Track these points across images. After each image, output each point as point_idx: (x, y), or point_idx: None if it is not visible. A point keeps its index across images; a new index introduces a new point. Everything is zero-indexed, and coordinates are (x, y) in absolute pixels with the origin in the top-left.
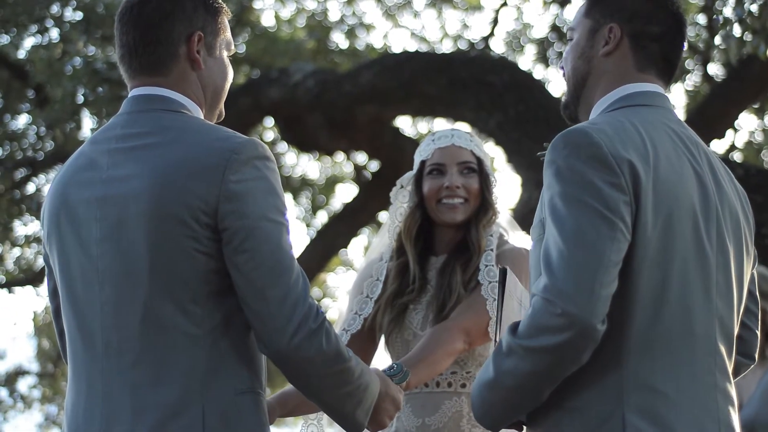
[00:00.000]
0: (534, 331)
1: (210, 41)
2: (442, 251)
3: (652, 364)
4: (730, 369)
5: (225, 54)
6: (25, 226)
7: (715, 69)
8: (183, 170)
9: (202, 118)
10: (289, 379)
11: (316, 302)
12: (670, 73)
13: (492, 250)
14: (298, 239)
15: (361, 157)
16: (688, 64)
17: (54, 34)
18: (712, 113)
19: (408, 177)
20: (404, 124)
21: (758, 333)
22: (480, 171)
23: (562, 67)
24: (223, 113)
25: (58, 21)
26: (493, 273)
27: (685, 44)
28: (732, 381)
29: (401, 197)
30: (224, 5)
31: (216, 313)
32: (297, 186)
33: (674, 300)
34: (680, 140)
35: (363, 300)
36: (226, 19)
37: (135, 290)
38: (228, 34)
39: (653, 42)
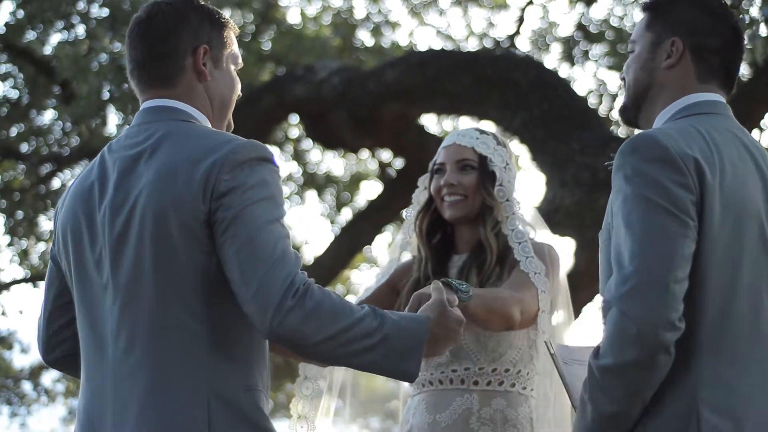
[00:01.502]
0: (618, 346)
1: (216, 54)
2: (463, 250)
3: (724, 361)
4: None
5: (232, 67)
6: (50, 221)
7: (741, 68)
8: (182, 174)
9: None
10: (300, 357)
11: (298, 276)
12: (731, 85)
13: (526, 241)
14: (323, 236)
15: (385, 155)
16: None
17: (80, 30)
18: (738, 113)
19: (424, 177)
20: (429, 122)
21: None
22: (481, 168)
23: (623, 78)
24: (232, 125)
25: (85, 17)
26: (534, 265)
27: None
28: None
29: (421, 197)
30: (230, 20)
31: (221, 311)
32: (322, 183)
33: (743, 298)
34: (744, 146)
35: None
36: (232, 34)
37: (142, 292)
38: (235, 48)
39: (714, 54)
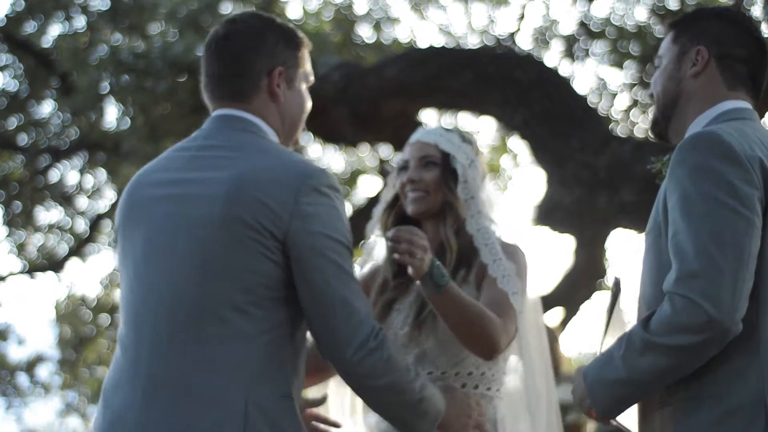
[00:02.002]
0: (673, 329)
1: (290, 74)
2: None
3: None
4: None
5: (303, 86)
6: (48, 213)
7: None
8: (258, 182)
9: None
10: (353, 390)
11: (376, 323)
12: (758, 94)
13: (494, 242)
14: None
15: (385, 151)
16: None
17: (80, 22)
18: None
19: (391, 175)
20: (429, 118)
21: None
22: (444, 165)
23: (651, 95)
24: (299, 141)
25: (85, 9)
26: (503, 267)
27: None
28: None
29: (388, 195)
30: (305, 38)
31: (273, 317)
32: None
33: None
34: None
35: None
36: (306, 52)
37: (197, 284)
38: (308, 66)
39: (740, 63)
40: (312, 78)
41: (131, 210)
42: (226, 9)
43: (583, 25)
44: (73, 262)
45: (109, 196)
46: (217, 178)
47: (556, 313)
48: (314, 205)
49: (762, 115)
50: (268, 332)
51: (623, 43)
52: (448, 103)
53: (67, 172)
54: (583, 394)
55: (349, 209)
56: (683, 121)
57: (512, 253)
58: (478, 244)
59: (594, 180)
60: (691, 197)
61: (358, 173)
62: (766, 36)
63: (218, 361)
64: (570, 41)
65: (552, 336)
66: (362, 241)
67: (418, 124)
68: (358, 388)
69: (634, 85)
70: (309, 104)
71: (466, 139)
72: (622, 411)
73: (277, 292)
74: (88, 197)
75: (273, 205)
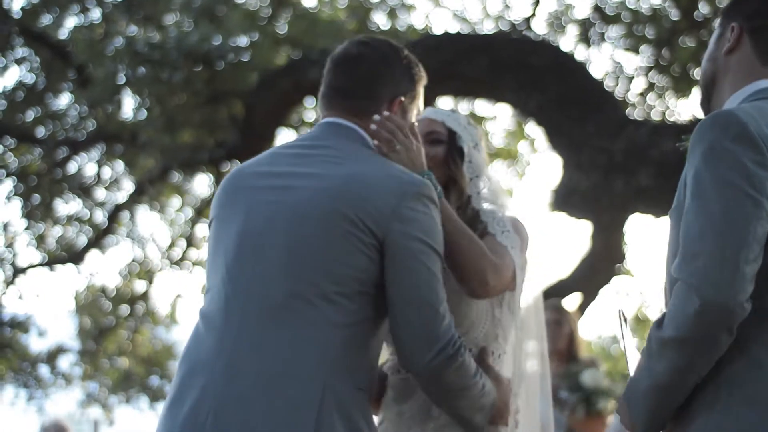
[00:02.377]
0: (678, 319)
1: (406, 105)
2: None
3: None
4: None
5: (414, 118)
6: (67, 205)
7: None
8: (365, 183)
9: None
10: (422, 389)
11: (456, 332)
12: None
13: (501, 216)
14: None
15: None
16: None
17: (96, 14)
18: None
19: None
20: (445, 105)
21: None
22: (450, 142)
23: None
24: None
25: (100, 1)
26: (503, 223)
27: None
28: None
29: None
30: (423, 73)
31: (359, 312)
32: None
33: None
34: None
35: None
36: (423, 86)
37: (290, 269)
38: (421, 100)
39: None
40: (421, 110)
41: (230, 196)
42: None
43: (598, 9)
44: (93, 253)
45: (127, 187)
46: (323, 174)
47: (575, 298)
48: (415, 211)
49: None
50: (353, 325)
51: (638, 27)
52: (464, 89)
53: (85, 164)
54: (625, 415)
55: None
56: (722, 99)
57: (517, 228)
58: (484, 218)
59: (610, 164)
60: (701, 177)
61: None
62: None
63: (303, 345)
64: (585, 26)
65: (571, 320)
66: None
67: None
68: (427, 388)
69: (650, 68)
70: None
71: (471, 123)
72: (663, 422)
73: (367, 287)
74: (106, 188)
75: (377, 204)
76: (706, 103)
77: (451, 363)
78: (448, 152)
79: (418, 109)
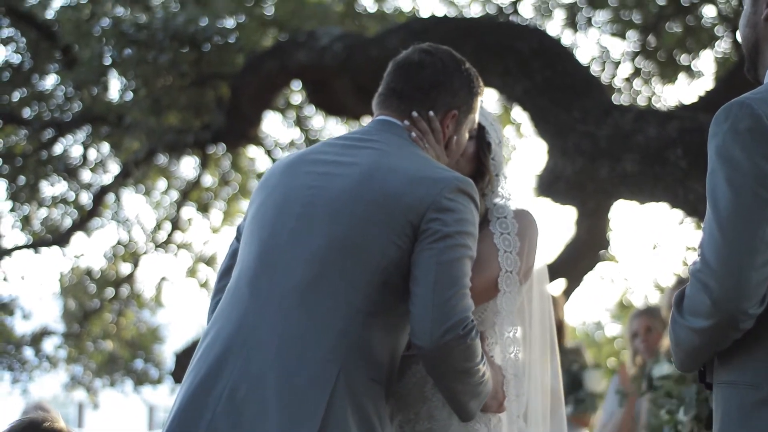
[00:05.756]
0: (690, 312)
1: (461, 119)
2: None
3: None
4: None
5: (466, 134)
6: (52, 187)
7: None
8: (405, 174)
9: None
10: (425, 367)
11: (471, 316)
12: None
13: (505, 217)
14: None
15: None
16: (718, 30)
17: None
18: (741, 81)
19: None
20: None
21: None
22: (480, 137)
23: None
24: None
25: None
26: (505, 225)
27: (715, 11)
28: None
29: None
30: (482, 87)
31: (384, 302)
32: None
33: None
34: None
35: None
36: (480, 100)
37: (323, 253)
38: (476, 113)
39: None
40: (476, 125)
41: (276, 177)
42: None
43: None
44: (78, 235)
45: (113, 169)
46: (365, 163)
47: (559, 284)
48: (455, 201)
49: None
50: (375, 315)
51: (625, 12)
52: None
53: (71, 146)
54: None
55: None
56: (766, 65)
57: (522, 228)
58: (491, 216)
59: (595, 150)
60: (713, 178)
61: None
62: None
63: (323, 328)
64: (572, 10)
65: (558, 308)
66: None
67: None
68: (432, 365)
69: (637, 54)
70: (461, 151)
71: (496, 120)
72: (696, 366)
73: (394, 279)
74: (92, 170)
75: (417, 194)
76: (753, 71)
77: (460, 342)
78: (479, 146)
79: (473, 123)
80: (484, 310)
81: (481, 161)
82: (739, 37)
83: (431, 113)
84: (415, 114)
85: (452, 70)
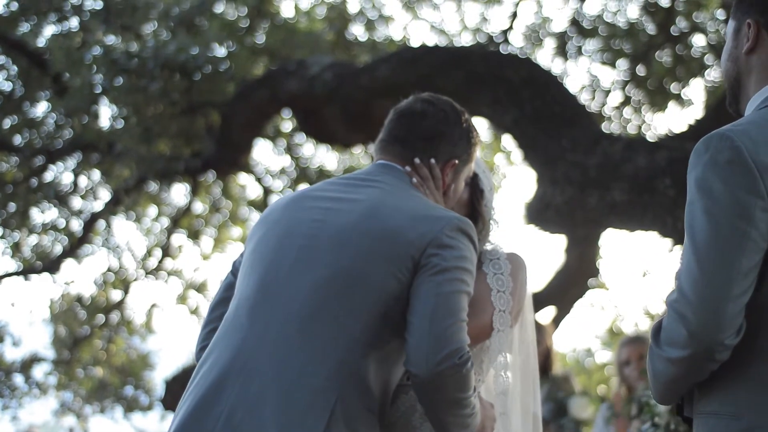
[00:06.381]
0: (666, 342)
1: (460, 168)
2: None
3: None
4: None
5: (462, 182)
6: (43, 214)
7: None
8: (407, 212)
9: None
10: (418, 396)
11: (467, 348)
12: None
13: (498, 259)
14: None
15: None
16: (708, 59)
17: (73, 22)
18: None
19: None
20: None
21: None
22: (473, 184)
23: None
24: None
25: (78, 10)
26: (498, 266)
27: (705, 40)
28: None
29: None
30: (480, 138)
31: (383, 334)
32: (314, 177)
33: None
34: None
35: None
36: (478, 150)
37: (325, 283)
38: (473, 163)
39: None
40: (470, 175)
41: (279, 211)
42: (219, 9)
43: (575, 22)
44: (68, 262)
45: (104, 196)
46: (368, 200)
47: (549, 312)
48: (455, 239)
49: None
50: (373, 346)
51: (615, 41)
52: None
53: (62, 173)
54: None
55: None
56: (748, 98)
57: (514, 269)
58: (484, 258)
59: (585, 179)
60: (692, 209)
61: (352, 171)
62: None
63: (322, 357)
64: (562, 39)
65: (547, 336)
66: None
67: None
68: (424, 393)
69: (627, 82)
70: (457, 198)
71: (487, 169)
72: (677, 397)
73: (393, 312)
74: (83, 197)
75: (418, 230)
76: (735, 104)
77: (456, 371)
78: (472, 192)
79: (469, 171)
80: (472, 347)
81: (474, 207)
82: (721, 70)
83: (432, 161)
84: (417, 160)
85: (453, 121)
